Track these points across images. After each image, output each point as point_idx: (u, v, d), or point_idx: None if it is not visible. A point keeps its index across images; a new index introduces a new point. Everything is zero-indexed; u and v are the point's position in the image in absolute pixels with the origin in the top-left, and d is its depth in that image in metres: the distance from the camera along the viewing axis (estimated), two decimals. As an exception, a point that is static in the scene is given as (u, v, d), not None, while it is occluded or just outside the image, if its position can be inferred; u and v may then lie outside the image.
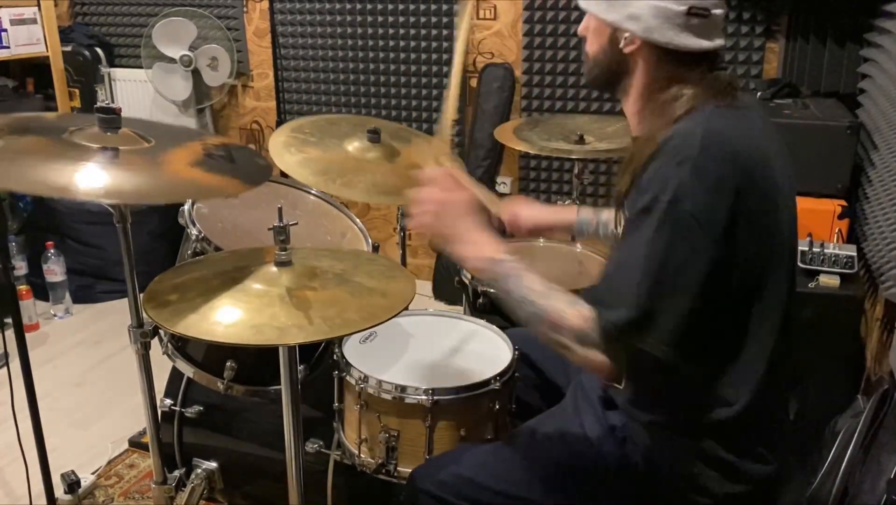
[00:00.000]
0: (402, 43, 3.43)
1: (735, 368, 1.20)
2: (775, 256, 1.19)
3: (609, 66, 1.29)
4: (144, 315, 1.42)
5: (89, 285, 3.48)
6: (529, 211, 1.73)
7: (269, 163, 1.56)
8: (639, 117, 1.29)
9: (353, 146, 1.88)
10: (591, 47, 1.31)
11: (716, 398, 1.21)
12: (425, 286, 3.49)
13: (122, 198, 1.33)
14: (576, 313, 1.15)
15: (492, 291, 1.31)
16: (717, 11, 1.21)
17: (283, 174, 1.96)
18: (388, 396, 1.48)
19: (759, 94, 2.64)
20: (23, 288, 3.15)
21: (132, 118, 1.48)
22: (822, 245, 2.01)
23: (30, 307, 3.20)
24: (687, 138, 1.13)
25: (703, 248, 1.11)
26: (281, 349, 1.31)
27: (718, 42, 1.23)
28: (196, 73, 3.69)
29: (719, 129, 1.13)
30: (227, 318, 1.19)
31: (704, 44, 1.20)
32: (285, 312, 1.20)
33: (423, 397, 1.45)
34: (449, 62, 3.36)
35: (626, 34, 1.23)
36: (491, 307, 1.96)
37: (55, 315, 3.35)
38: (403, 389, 1.47)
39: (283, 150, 1.81)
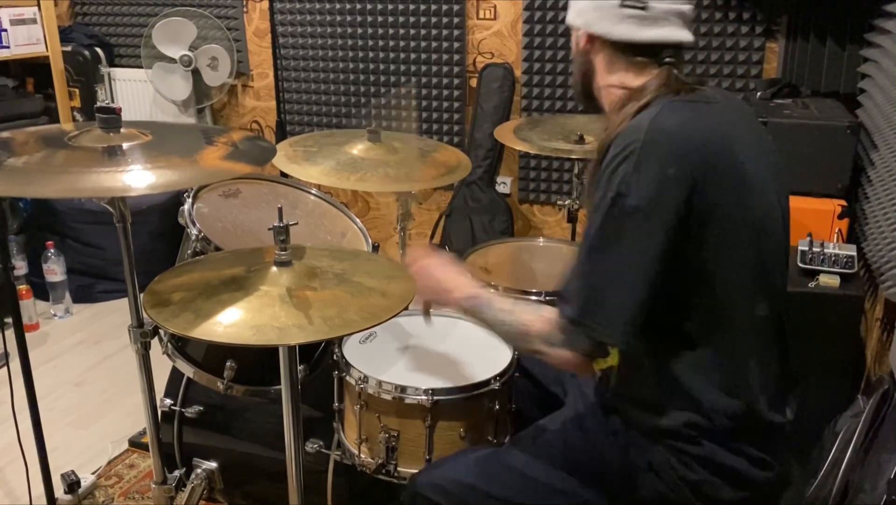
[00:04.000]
0: (402, 43, 3.43)
1: (725, 370, 1.20)
2: (750, 251, 1.18)
3: (581, 72, 1.34)
4: (144, 315, 1.42)
5: (89, 285, 3.49)
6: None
7: (272, 146, 1.62)
8: (607, 118, 1.30)
9: (358, 148, 2.00)
10: (573, 60, 1.38)
11: (712, 404, 1.21)
12: (425, 286, 3.49)
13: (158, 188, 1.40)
14: (539, 318, 1.22)
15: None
16: (657, 4, 1.21)
17: (284, 174, 1.96)
18: (387, 397, 1.48)
19: (759, 94, 2.64)
20: (23, 288, 3.15)
21: (132, 120, 1.49)
22: (822, 245, 2.01)
23: (30, 307, 3.20)
24: (633, 132, 1.14)
25: (652, 238, 1.12)
26: (281, 349, 1.31)
27: (667, 34, 1.23)
28: (196, 73, 3.69)
29: (668, 121, 1.14)
30: (227, 318, 1.19)
31: (644, 34, 1.22)
32: (285, 311, 1.20)
33: (423, 397, 1.45)
34: (449, 62, 3.37)
35: (579, 31, 1.30)
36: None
37: (55, 315, 3.35)
38: (403, 389, 1.47)
39: (289, 161, 1.93)
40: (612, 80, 1.28)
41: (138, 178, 1.30)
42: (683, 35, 1.24)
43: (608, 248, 1.14)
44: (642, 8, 1.21)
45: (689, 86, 1.22)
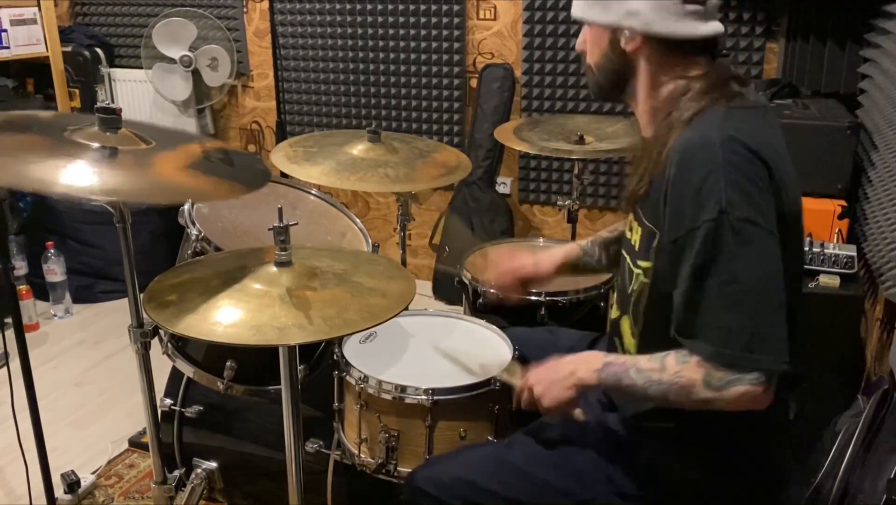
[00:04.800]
0: (402, 43, 3.43)
1: None
2: (798, 254, 1.20)
3: (614, 71, 1.29)
4: (144, 315, 1.42)
5: (89, 285, 3.49)
6: (545, 256, 1.68)
7: (268, 168, 1.57)
8: (648, 117, 1.29)
9: (358, 149, 2.00)
10: (593, 57, 1.31)
11: None
12: (425, 286, 3.49)
13: (117, 196, 1.33)
14: (684, 367, 1.14)
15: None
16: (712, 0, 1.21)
17: (284, 174, 1.96)
18: (388, 396, 1.48)
19: (759, 94, 2.64)
20: (23, 288, 3.15)
21: (133, 120, 1.48)
22: (822, 245, 2.01)
23: (30, 307, 3.20)
24: (705, 147, 1.12)
25: (773, 248, 1.10)
26: (281, 349, 1.31)
27: (718, 27, 1.23)
28: (196, 74, 3.69)
29: (738, 131, 1.13)
30: (227, 318, 1.19)
31: (704, 29, 1.21)
32: (285, 311, 1.20)
33: (423, 397, 1.45)
34: (449, 62, 3.37)
35: (626, 32, 1.23)
36: (491, 307, 1.96)
37: (55, 315, 3.35)
38: (403, 389, 1.47)
39: (289, 162, 1.93)
40: (661, 79, 1.25)
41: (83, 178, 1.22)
42: (720, 26, 1.25)
43: (738, 270, 1.09)
44: (702, 3, 1.20)
45: (738, 83, 1.22)
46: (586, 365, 1.25)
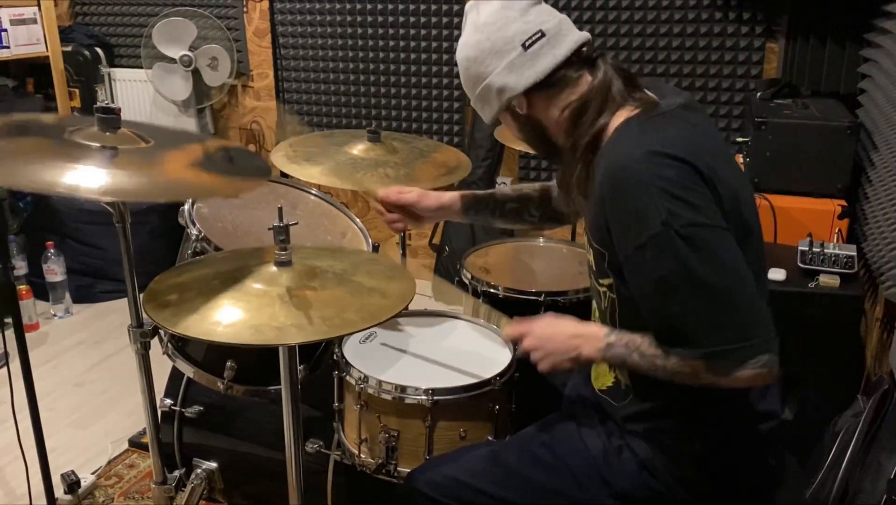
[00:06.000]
0: (402, 43, 3.43)
1: None
2: (750, 251, 1.18)
3: (533, 135, 1.35)
4: (144, 315, 1.42)
5: (89, 285, 3.49)
6: (434, 195, 1.73)
7: (268, 164, 1.58)
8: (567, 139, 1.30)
9: (358, 149, 2.01)
10: (519, 137, 1.39)
11: (711, 404, 1.21)
12: (425, 286, 3.49)
13: (125, 196, 1.34)
14: (687, 361, 1.14)
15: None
16: (545, 25, 1.24)
17: (284, 174, 1.96)
18: (388, 396, 1.48)
19: (759, 94, 2.64)
20: (23, 288, 3.15)
21: (132, 120, 1.48)
22: (822, 245, 2.01)
23: (30, 307, 3.20)
24: (627, 165, 1.13)
25: (722, 241, 1.11)
26: (281, 349, 1.31)
27: (576, 38, 1.25)
28: (196, 73, 3.69)
29: (653, 143, 1.13)
30: (227, 318, 1.19)
31: (561, 51, 1.24)
32: (285, 311, 1.20)
33: (423, 397, 1.45)
34: (449, 62, 3.36)
35: (513, 103, 1.29)
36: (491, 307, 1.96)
37: (55, 315, 3.35)
38: (403, 389, 1.47)
39: (289, 161, 1.92)
40: (559, 110, 1.27)
41: (90, 179, 1.22)
42: (582, 35, 1.27)
43: (701, 274, 1.09)
44: (541, 36, 1.23)
45: (647, 96, 1.24)
46: (590, 343, 1.25)
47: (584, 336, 1.27)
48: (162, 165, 1.36)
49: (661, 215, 1.09)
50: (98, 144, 1.32)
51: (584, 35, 1.28)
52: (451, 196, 1.72)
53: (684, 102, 1.24)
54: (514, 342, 1.42)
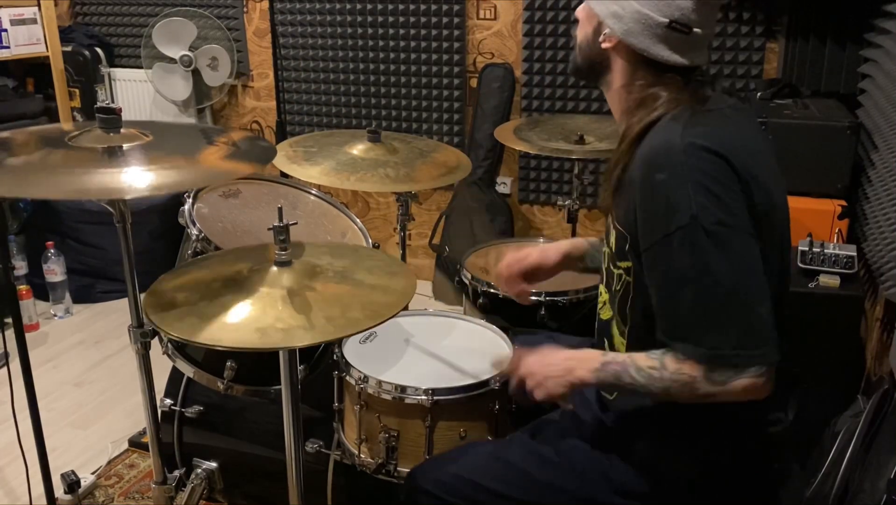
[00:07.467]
0: (402, 43, 3.43)
1: None
2: (775, 252, 1.19)
3: (590, 58, 1.31)
4: (144, 315, 1.42)
5: (89, 285, 3.48)
6: (551, 246, 1.67)
7: (271, 145, 1.62)
8: (618, 111, 1.30)
9: (358, 149, 2.01)
10: (579, 33, 1.33)
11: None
12: (425, 286, 3.49)
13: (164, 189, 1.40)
14: (687, 364, 1.14)
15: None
16: (699, 30, 1.20)
17: (284, 174, 1.97)
18: (387, 397, 1.48)
19: (759, 94, 2.64)
20: (23, 288, 3.15)
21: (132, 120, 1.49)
22: (822, 245, 2.01)
23: (30, 307, 3.20)
24: (669, 153, 1.12)
25: (749, 245, 1.11)
26: (281, 350, 1.31)
27: (697, 61, 1.23)
28: (196, 73, 3.69)
29: (696, 136, 1.13)
30: (230, 321, 1.18)
31: (679, 59, 1.21)
32: (288, 313, 1.19)
33: (423, 397, 1.45)
34: (449, 62, 3.37)
35: (607, 30, 1.25)
36: (491, 307, 1.96)
37: (55, 315, 3.35)
38: (403, 389, 1.47)
39: (290, 162, 1.93)
40: (632, 85, 1.25)
41: (139, 179, 1.30)
42: (705, 58, 1.25)
43: (718, 273, 1.10)
44: (687, 33, 1.20)
45: (705, 93, 1.22)
46: (584, 364, 1.25)
47: (578, 358, 1.27)
48: (200, 157, 1.46)
49: (692, 209, 1.09)
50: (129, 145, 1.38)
51: (705, 60, 1.24)
52: (569, 243, 1.65)
53: (733, 103, 1.24)
54: (508, 378, 1.40)
